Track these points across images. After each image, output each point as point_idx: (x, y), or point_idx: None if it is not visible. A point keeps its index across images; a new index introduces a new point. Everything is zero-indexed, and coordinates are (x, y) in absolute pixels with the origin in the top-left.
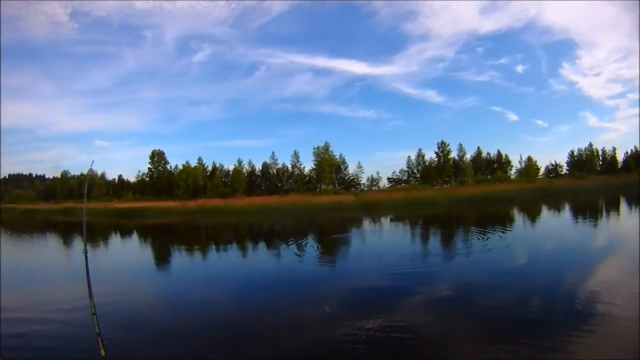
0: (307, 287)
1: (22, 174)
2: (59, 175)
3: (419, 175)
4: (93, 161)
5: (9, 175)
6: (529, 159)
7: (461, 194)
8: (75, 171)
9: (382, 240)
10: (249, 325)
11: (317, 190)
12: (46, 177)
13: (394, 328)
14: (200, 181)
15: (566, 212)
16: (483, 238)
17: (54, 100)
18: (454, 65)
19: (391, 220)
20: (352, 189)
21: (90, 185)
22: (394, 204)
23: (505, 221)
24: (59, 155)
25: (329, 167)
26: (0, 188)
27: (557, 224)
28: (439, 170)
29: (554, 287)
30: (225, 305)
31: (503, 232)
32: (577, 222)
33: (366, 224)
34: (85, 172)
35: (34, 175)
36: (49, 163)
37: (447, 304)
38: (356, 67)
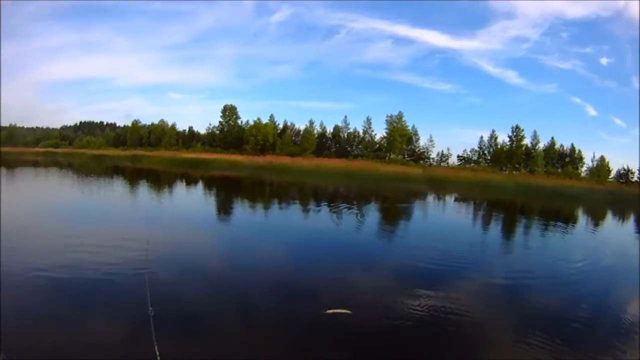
0: (362, 254)
1: (93, 122)
2: (129, 124)
3: (489, 158)
4: None
5: (80, 122)
6: (602, 158)
7: (529, 183)
8: (146, 121)
9: (444, 219)
10: (298, 285)
11: (386, 159)
12: (117, 125)
13: (435, 309)
14: (270, 138)
15: (631, 223)
16: (543, 233)
17: (129, 54)
18: (538, 48)
19: (456, 199)
20: (421, 162)
21: (159, 134)
22: (461, 183)
23: (569, 219)
24: (131, 105)
25: (400, 137)
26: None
27: (619, 234)
28: (510, 155)
29: (598, 299)
30: (280, 261)
31: (564, 231)
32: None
33: (430, 199)
34: (156, 122)
35: (105, 124)
36: (120, 112)
37: (490, 297)
38: (437, 38)
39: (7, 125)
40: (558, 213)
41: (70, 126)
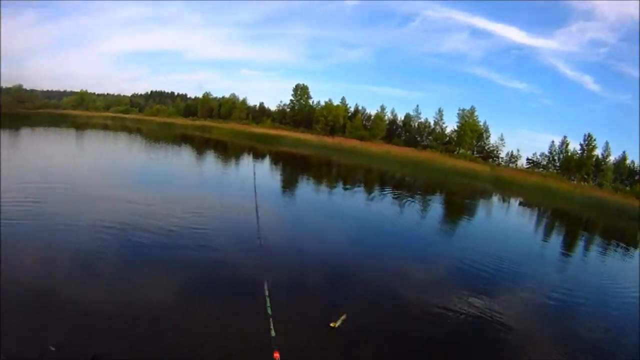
0: (417, 246)
1: (164, 92)
2: (200, 96)
3: (558, 164)
4: None
5: (152, 91)
6: None
7: (597, 196)
8: (217, 94)
9: (505, 222)
10: (351, 270)
11: (455, 152)
12: (188, 96)
13: (473, 316)
14: (340, 120)
15: None
16: (602, 253)
17: (202, 28)
18: (615, 53)
19: (520, 203)
20: (490, 160)
21: (230, 108)
22: (528, 187)
23: (632, 242)
24: (203, 78)
25: (471, 132)
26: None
27: None
28: (580, 165)
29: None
30: (333, 244)
31: (625, 254)
32: None
33: (495, 200)
34: (227, 96)
35: (176, 94)
36: (192, 84)
37: (532, 312)
38: (515, 34)
39: (78, 90)
40: (622, 234)
41: (141, 94)
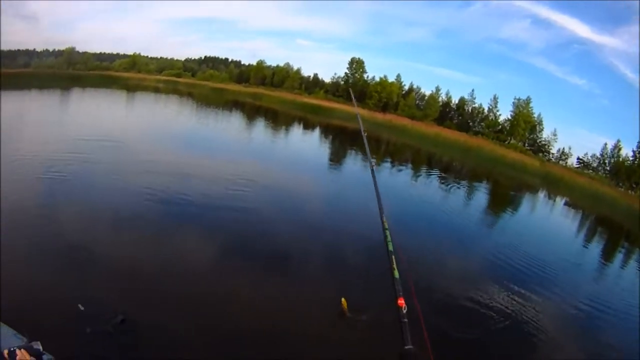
0: (455, 235)
1: (218, 57)
2: (254, 63)
3: (608, 168)
4: None
5: (205, 56)
6: None
7: None
8: (271, 62)
9: (548, 222)
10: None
11: (506, 142)
12: (242, 63)
13: (498, 314)
14: (393, 97)
15: None
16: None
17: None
18: None
19: (565, 203)
20: (540, 154)
21: (283, 77)
22: (575, 187)
23: None
24: (258, 46)
25: (525, 123)
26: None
27: None
28: (630, 173)
29: None
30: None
31: None
32: None
33: (540, 196)
34: (281, 64)
35: (229, 60)
36: (246, 52)
37: (558, 320)
38: (579, 27)
39: (131, 53)
40: None
41: (194, 59)
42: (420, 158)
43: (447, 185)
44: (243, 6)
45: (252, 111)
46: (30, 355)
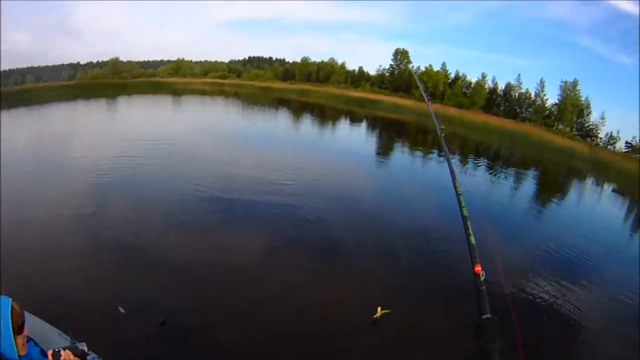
0: (501, 225)
1: (262, 57)
2: (298, 60)
3: None
4: None
5: (249, 57)
6: None
7: None
8: (315, 58)
9: (597, 210)
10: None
11: (554, 127)
12: (286, 61)
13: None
14: (440, 87)
15: None
16: None
17: None
18: None
19: (614, 190)
20: (588, 139)
21: (329, 72)
22: (625, 173)
23: None
24: (301, 42)
25: (572, 107)
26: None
27: None
28: None
29: None
30: (415, 213)
31: None
32: None
33: (588, 183)
34: (326, 60)
35: (274, 59)
36: (289, 49)
37: (601, 313)
38: (624, 2)
39: (175, 59)
40: None
41: (238, 60)
42: (468, 147)
43: (495, 175)
44: (282, 4)
45: (299, 107)
46: (75, 355)
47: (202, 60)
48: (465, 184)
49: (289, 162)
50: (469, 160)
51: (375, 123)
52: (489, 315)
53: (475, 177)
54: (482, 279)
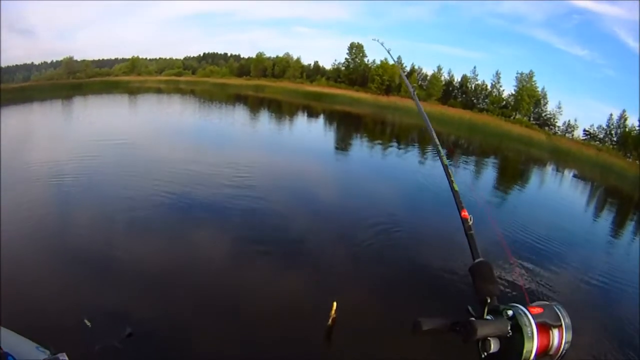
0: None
1: (217, 53)
2: (254, 56)
3: (615, 139)
4: None
5: (204, 53)
6: None
7: None
8: (270, 53)
9: (557, 195)
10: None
11: (511, 117)
12: (241, 56)
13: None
14: (396, 79)
15: None
16: None
17: None
18: None
19: (574, 176)
20: (546, 128)
21: (284, 67)
22: (583, 159)
23: None
24: (256, 37)
25: (529, 97)
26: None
27: None
28: (637, 142)
29: None
30: (387, 203)
31: None
32: None
33: (549, 170)
34: (281, 55)
35: (229, 55)
36: (245, 44)
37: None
38: None
39: (130, 57)
40: None
41: (193, 57)
42: (427, 138)
43: (455, 164)
44: None
45: (255, 103)
46: None
47: (157, 57)
48: (426, 175)
49: (248, 159)
50: (428, 151)
51: (332, 117)
52: (482, 259)
53: (436, 167)
54: (470, 223)
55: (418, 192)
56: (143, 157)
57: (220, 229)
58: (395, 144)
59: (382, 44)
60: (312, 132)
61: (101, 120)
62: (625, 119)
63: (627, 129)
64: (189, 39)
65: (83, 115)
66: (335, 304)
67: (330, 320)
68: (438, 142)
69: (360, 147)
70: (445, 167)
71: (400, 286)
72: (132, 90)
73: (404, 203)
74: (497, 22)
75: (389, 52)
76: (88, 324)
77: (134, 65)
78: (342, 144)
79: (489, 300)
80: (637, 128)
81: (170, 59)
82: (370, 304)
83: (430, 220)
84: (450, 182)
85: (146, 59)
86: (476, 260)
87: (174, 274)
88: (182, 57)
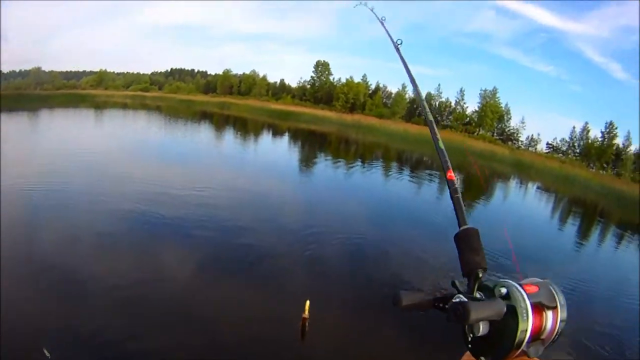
0: (431, 229)
1: (184, 69)
2: (220, 73)
3: (578, 151)
4: None
5: (171, 69)
6: None
7: (615, 187)
8: (238, 70)
9: (521, 206)
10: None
11: (475, 133)
12: (208, 73)
13: None
14: (360, 98)
15: None
16: (615, 244)
17: (227, 3)
18: None
19: (538, 188)
20: (509, 142)
21: (250, 84)
22: (546, 172)
23: None
24: (224, 53)
25: (492, 113)
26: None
27: None
28: (600, 153)
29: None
30: (352, 223)
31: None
32: None
33: (513, 183)
34: (248, 72)
35: (196, 71)
36: (212, 60)
37: None
38: (545, 15)
39: (98, 70)
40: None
41: (160, 72)
42: (391, 155)
43: (419, 180)
44: (211, 10)
45: (221, 121)
46: None
47: (125, 72)
48: (390, 191)
49: (211, 177)
50: (391, 167)
51: (297, 135)
52: (468, 225)
53: (401, 182)
54: (455, 186)
55: (379, 205)
56: (106, 174)
57: (187, 246)
58: (357, 161)
59: (372, 10)
60: (277, 151)
61: (66, 135)
62: (588, 131)
63: (589, 141)
64: (158, 52)
65: (48, 130)
66: (307, 302)
67: (303, 319)
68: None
69: (323, 165)
70: (430, 123)
71: (370, 280)
72: (99, 105)
73: (365, 214)
74: (464, 40)
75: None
76: (47, 354)
77: (102, 78)
78: (306, 163)
79: (480, 275)
80: (600, 139)
81: (137, 73)
82: (343, 299)
83: (392, 227)
84: (435, 141)
85: (114, 72)
86: (462, 227)
87: (139, 294)
88: (149, 72)
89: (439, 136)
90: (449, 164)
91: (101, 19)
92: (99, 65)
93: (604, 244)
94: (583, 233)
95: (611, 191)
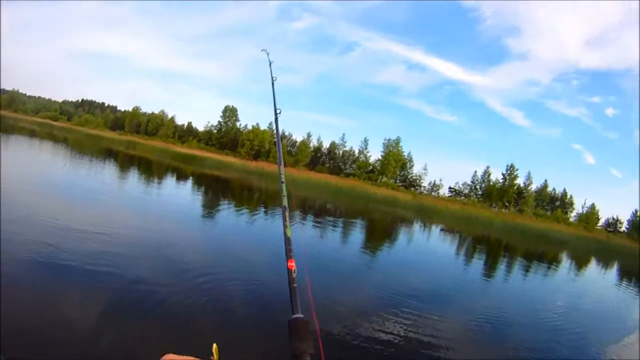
0: (342, 274)
1: (95, 101)
2: (130, 109)
3: (480, 193)
4: None
5: (83, 99)
6: (593, 206)
7: (517, 223)
8: (148, 107)
9: (427, 249)
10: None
11: (378, 181)
12: (118, 108)
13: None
14: (265, 145)
15: (614, 273)
16: (523, 275)
17: (150, 37)
18: (547, 93)
19: (442, 230)
20: (412, 188)
21: (158, 124)
22: (449, 214)
23: (552, 263)
24: (137, 88)
25: (395, 161)
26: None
27: (601, 283)
28: (502, 193)
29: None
30: (256, 269)
31: (545, 275)
32: (620, 286)
33: (416, 227)
34: (157, 111)
35: (106, 105)
36: (124, 94)
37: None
38: (451, 70)
39: (10, 89)
40: (542, 256)
41: (72, 101)
42: (293, 203)
43: (322, 227)
44: (131, 42)
45: (125, 160)
46: None
47: (37, 96)
48: (294, 237)
49: (113, 219)
50: (295, 214)
51: (200, 180)
52: (300, 315)
53: (304, 229)
54: (293, 275)
55: (280, 250)
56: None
57: (83, 289)
58: (257, 209)
59: (267, 54)
60: (180, 194)
61: None
62: (489, 174)
63: (491, 183)
64: (72, 80)
65: None
66: (215, 345)
67: None
68: (284, 183)
69: (223, 211)
70: (284, 210)
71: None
72: (6, 129)
73: (264, 259)
74: (372, 92)
75: (272, 81)
76: None
77: (13, 99)
78: (208, 208)
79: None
80: (501, 181)
81: (49, 100)
82: (249, 339)
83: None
84: (284, 227)
85: (25, 95)
86: (294, 315)
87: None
88: (60, 100)
89: (288, 222)
90: (292, 253)
91: (20, 37)
92: (12, 84)
93: (511, 274)
94: (490, 266)
95: (514, 227)
